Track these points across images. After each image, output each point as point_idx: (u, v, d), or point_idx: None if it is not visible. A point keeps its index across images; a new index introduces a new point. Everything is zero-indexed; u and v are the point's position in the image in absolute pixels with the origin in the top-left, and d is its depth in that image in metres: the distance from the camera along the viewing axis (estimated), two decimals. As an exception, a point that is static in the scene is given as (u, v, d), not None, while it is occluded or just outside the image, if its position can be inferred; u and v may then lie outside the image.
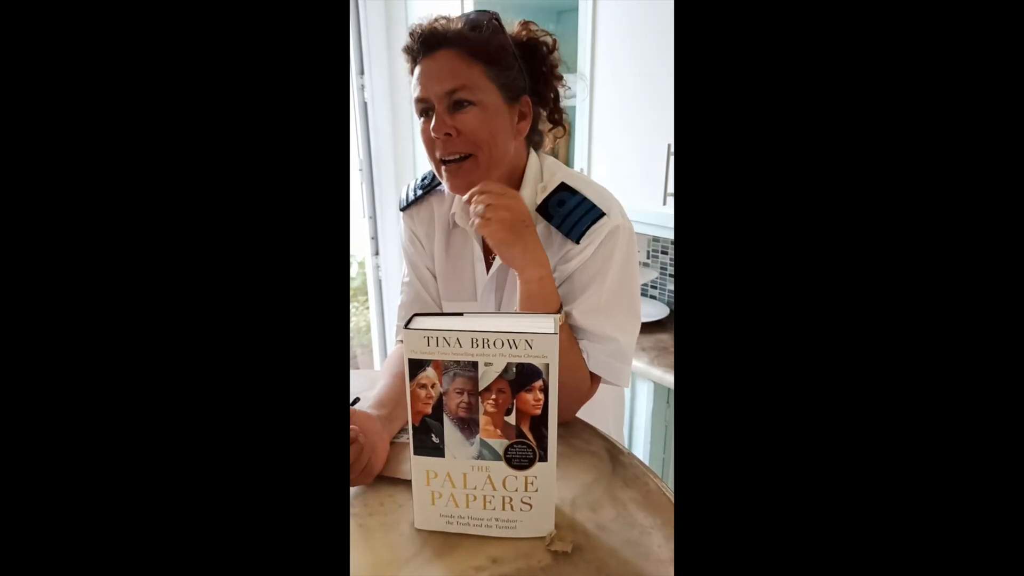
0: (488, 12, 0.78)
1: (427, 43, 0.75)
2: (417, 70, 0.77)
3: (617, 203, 0.81)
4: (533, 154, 0.85)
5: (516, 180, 0.83)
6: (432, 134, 0.76)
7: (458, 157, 0.77)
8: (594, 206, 0.78)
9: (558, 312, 0.76)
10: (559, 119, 0.87)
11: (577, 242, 0.77)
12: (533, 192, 0.82)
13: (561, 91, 0.86)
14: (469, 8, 1.80)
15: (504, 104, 0.78)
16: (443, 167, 0.79)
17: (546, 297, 0.75)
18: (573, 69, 1.62)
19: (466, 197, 0.76)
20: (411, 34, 0.77)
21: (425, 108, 0.77)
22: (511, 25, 0.81)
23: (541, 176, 0.84)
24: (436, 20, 0.76)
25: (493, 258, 0.86)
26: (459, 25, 0.75)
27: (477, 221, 0.74)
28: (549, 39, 0.82)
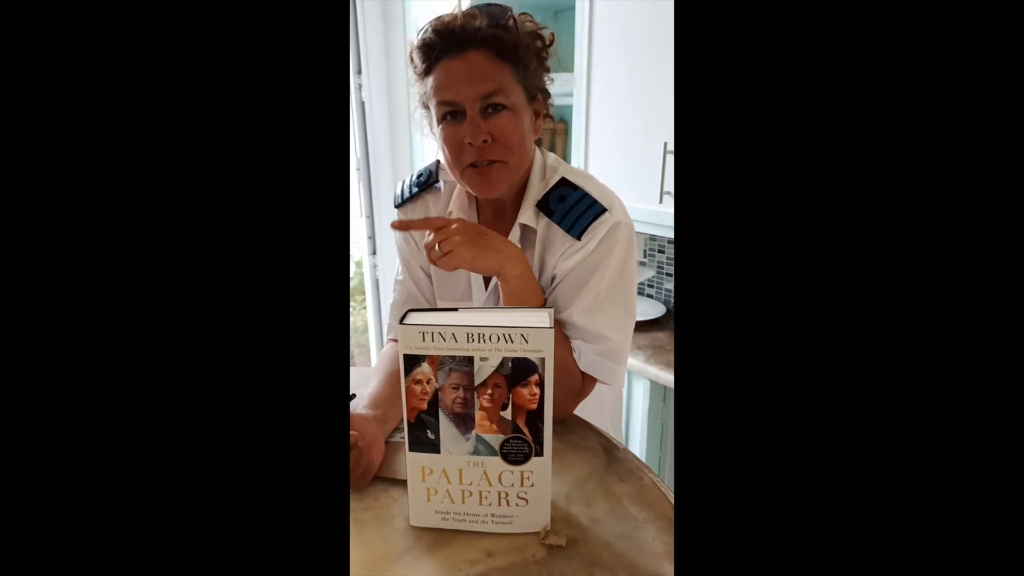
0: (503, 7, 0.75)
1: (457, 42, 0.71)
2: (442, 70, 0.73)
3: (618, 199, 0.80)
4: (538, 151, 0.84)
5: (524, 178, 0.82)
6: (468, 140, 0.73)
7: (489, 162, 0.75)
8: (595, 202, 0.77)
9: (542, 306, 0.76)
10: (546, 111, 0.85)
11: (578, 239, 0.76)
12: (538, 190, 0.81)
13: (548, 83, 0.83)
14: (466, 7, 1.80)
15: (527, 104, 0.76)
16: (470, 169, 0.76)
17: (528, 293, 0.75)
18: (570, 68, 1.62)
19: (425, 244, 0.74)
20: (435, 30, 0.72)
21: (451, 111, 0.74)
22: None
23: (544, 173, 0.83)
24: (461, 16, 0.72)
25: None
26: (485, 22, 0.72)
27: (443, 260, 0.71)
28: (546, 33, 0.80)
